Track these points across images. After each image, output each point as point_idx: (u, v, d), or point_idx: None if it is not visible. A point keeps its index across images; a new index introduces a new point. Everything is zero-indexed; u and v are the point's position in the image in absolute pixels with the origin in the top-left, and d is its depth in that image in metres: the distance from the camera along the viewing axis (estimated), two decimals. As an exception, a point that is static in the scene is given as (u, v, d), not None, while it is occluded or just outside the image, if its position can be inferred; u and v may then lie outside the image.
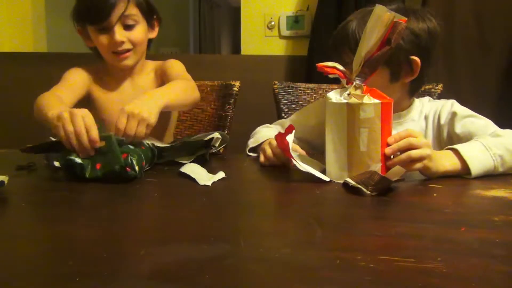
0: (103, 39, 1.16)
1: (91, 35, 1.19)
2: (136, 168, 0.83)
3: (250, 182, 0.92)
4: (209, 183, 0.80)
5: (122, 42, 1.16)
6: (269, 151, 0.97)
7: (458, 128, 1.00)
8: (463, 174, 0.85)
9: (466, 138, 0.97)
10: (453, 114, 1.03)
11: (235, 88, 1.49)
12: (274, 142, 0.95)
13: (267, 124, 1.23)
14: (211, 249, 0.50)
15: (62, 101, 1.06)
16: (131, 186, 0.80)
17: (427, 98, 1.15)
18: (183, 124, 1.59)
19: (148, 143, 0.95)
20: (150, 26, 1.24)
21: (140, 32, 1.19)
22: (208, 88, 1.55)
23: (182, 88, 1.11)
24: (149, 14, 1.22)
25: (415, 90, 1.08)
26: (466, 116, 1.01)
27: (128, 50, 1.19)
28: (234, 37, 6.29)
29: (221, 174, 0.86)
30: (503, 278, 0.44)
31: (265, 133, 1.12)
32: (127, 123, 0.90)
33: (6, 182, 0.75)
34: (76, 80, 1.20)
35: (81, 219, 0.64)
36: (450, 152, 0.87)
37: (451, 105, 1.06)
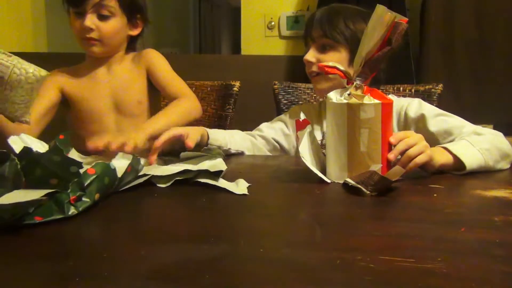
0: (76, 22, 1.18)
1: (70, 17, 1.21)
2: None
3: (250, 182, 0.92)
4: (244, 192, 0.76)
5: (91, 30, 1.16)
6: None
7: (432, 126, 1.02)
8: (457, 168, 0.86)
9: (442, 136, 1.00)
10: (422, 116, 1.05)
11: (235, 88, 1.49)
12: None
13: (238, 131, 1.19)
14: (211, 249, 0.50)
15: None
16: (131, 186, 0.80)
17: (391, 95, 1.16)
18: (183, 124, 1.59)
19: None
20: (132, 23, 1.24)
21: (113, 26, 1.18)
22: (208, 88, 1.55)
23: (179, 113, 1.13)
24: (131, 11, 1.22)
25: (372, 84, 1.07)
26: (436, 115, 1.04)
27: (94, 40, 1.18)
28: (234, 37, 6.28)
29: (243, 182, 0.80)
30: (503, 278, 0.44)
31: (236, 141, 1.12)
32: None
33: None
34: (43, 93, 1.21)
35: (81, 219, 0.64)
36: (441, 148, 0.89)
37: (418, 104, 1.08)
